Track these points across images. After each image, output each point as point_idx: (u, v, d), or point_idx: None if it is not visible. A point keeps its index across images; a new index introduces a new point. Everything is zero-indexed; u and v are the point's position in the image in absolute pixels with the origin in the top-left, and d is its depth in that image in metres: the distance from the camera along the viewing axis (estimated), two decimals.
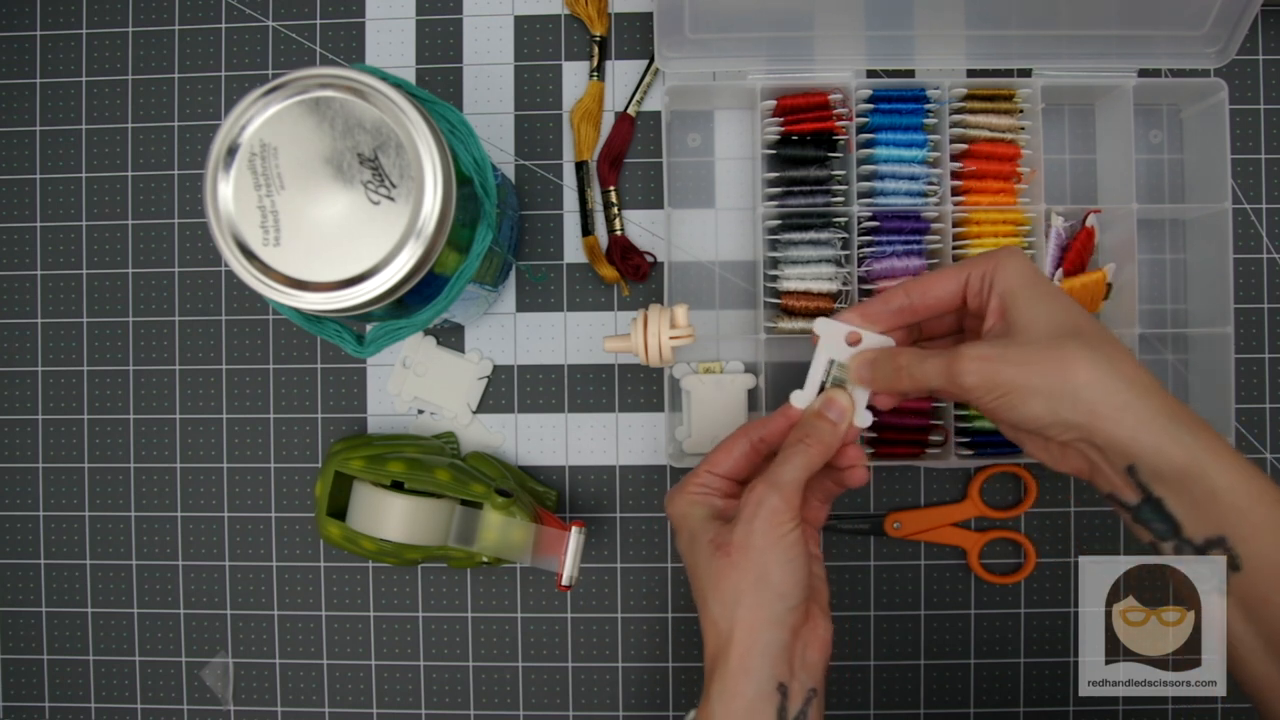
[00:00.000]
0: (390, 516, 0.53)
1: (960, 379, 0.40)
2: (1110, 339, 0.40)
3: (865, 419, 0.45)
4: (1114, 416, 0.38)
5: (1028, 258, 0.43)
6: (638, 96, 0.61)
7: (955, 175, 0.57)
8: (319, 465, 0.62)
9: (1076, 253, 0.58)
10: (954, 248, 0.57)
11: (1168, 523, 0.38)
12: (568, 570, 0.53)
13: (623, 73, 0.62)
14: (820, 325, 0.46)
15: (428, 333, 0.62)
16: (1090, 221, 0.58)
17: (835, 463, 0.45)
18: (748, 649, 0.41)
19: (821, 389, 0.46)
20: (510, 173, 0.62)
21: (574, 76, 0.62)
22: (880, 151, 0.57)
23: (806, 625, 0.43)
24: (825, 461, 0.44)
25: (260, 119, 0.43)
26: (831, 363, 0.46)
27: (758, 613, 0.41)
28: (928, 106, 0.57)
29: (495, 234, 0.49)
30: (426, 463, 0.55)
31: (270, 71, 0.63)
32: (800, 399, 0.46)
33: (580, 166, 0.61)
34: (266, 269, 0.43)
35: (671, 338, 0.51)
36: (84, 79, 0.63)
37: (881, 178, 0.57)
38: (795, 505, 0.42)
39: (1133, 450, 0.38)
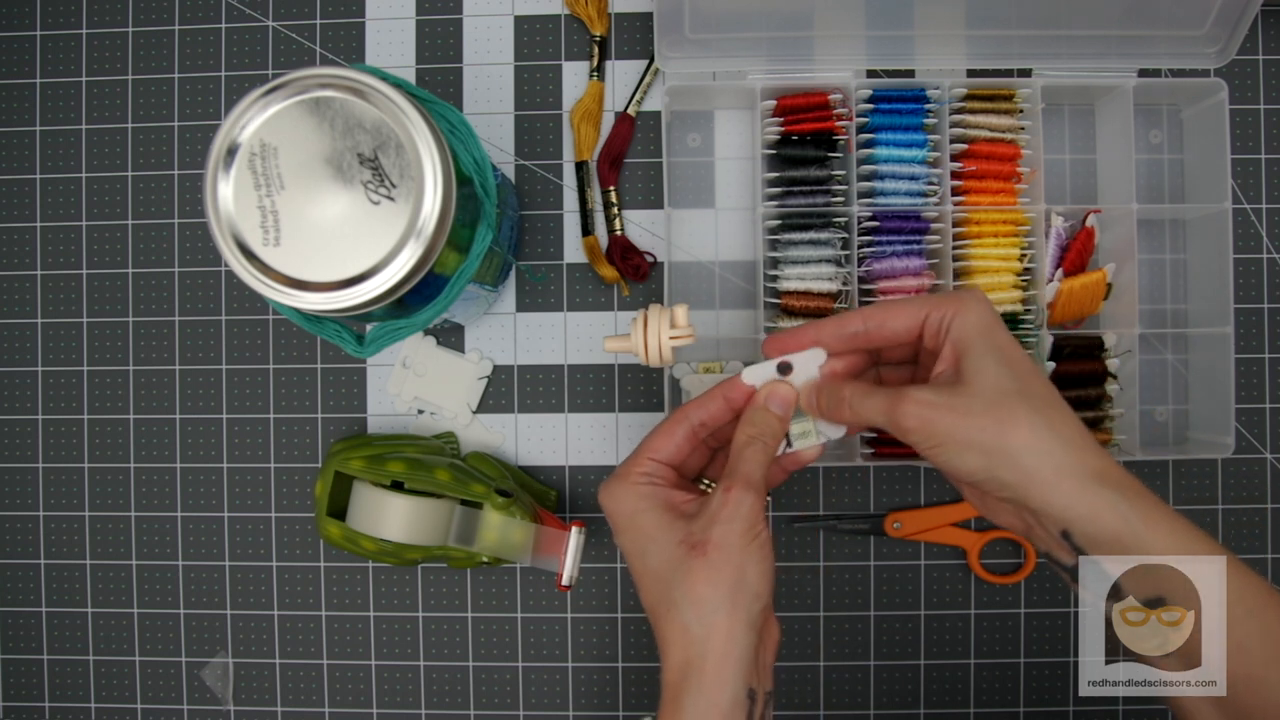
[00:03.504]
0: (390, 516, 0.53)
1: (900, 420, 0.39)
2: (1056, 400, 0.39)
3: (836, 431, 0.45)
4: (1049, 481, 0.37)
5: (990, 304, 0.41)
6: (638, 96, 0.61)
7: (955, 175, 0.57)
8: (319, 465, 0.62)
9: (1076, 253, 0.58)
10: (954, 248, 0.57)
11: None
12: (568, 570, 0.53)
13: (623, 73, 0.62)
14: (748, 375, 0.45)
15: (428, 333, 0.62)
16: (1090, 221, 0.58)
17: None
18: (724, 657, 0.39)
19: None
20: (510, 173, 0.62)
21: (574, 76, 0.62)
22: (880, 151, 0.57)
23: (765, 627, 0.42)
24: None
25: (260, 119, 0.43)
26: None
27: (736, 616, 0.40)
28: (928, 106, 0.57)
29: (495, 234, 0.49)
30: (426, 463, 0.55)
31: (270, 71, 0.63)
32: (753, 376, 0.45)
33: (580, 166, 0.61)
34: (266, 269, 0.43)
35: (671, 338, 0.51)
36: (84, 79, 0.63)
37: (881, 178, 0.57)
38: (764, 505, 0.42)
39: (1067, 516, 0.38)
